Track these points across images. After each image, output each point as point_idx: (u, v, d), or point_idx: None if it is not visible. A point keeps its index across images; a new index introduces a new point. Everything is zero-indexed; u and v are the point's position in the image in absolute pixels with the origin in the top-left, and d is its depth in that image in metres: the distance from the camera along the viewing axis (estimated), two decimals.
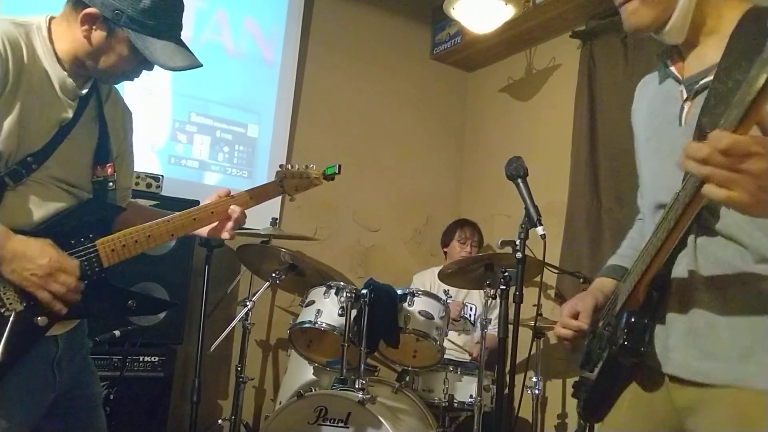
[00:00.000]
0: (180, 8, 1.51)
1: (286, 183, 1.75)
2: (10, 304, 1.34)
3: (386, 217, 4.19)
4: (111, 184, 1.52)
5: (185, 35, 1.53)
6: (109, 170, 1.52)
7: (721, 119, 0.82)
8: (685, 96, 1.13)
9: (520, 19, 3.63)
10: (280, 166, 1.77)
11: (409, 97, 4.35)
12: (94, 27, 1.42)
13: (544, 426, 3.43)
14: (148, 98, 3.30)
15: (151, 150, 3.36)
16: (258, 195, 1.71)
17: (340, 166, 1.77)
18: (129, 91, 1.74)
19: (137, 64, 1.49)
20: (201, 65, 1.49)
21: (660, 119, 1.19)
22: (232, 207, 1.62)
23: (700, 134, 1.01)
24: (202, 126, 3.54)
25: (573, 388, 1.29)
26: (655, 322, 1.09)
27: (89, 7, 1.40)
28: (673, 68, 1.19)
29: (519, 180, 2.00)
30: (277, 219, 3.29)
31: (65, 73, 1.44)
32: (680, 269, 1.08)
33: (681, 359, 1.06)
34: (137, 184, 2.92)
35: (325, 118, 4.00)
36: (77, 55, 1.45)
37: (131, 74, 1.53)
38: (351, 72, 4.13)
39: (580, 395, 1.25)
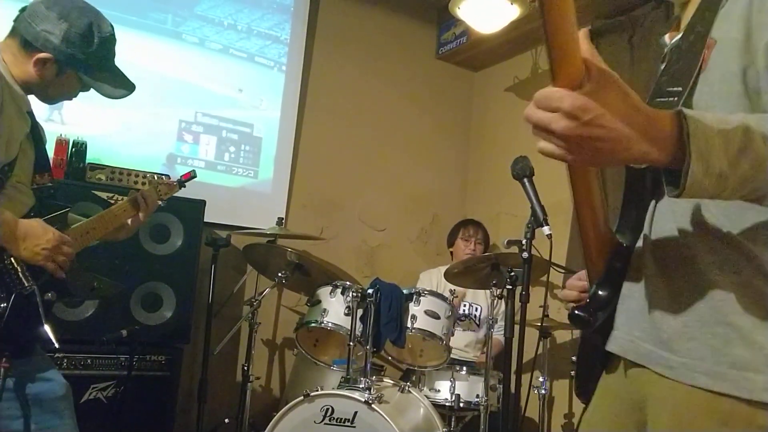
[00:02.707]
0: (115, 41, 1.71)
1: (161, 189, 2.05)
2: (28, 282, 1.53)
3: (392, 217, 4.19)
4: (52, 190, 1.72)
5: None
6: (47, 178, 1.71)
7: (678, 74, 0.78)
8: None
9: (526, 19, 3.62)
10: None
11: (415, 97, 4.35)
12: (45, 66, 1.60)
13: (550, 426, 3.43)
14: (154, 98, 3.32)
15: (157, 150, 3.37)
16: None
17: (194, 170, 2.20)
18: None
19: (79, 90, 1.71)
20: (135, 88, 1.73)
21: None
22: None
23: (660, 93, 0.98)
24: (208, 126, 3.55)
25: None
26: (618, 296, 1.03)
27: (42, 51, 1.58)
28: (666, 37, 1.12)
29: (525, 179, 2.00)
30: (283, 219, 3.29)
31: (22, 92, 1.62)
32: (638, 240, 1.03)
33: (623, 338, 1.00)
34: (143, 184, 2.92)
35: (330, 118, 4.00)
36: (27, 82, 1.61)
37: (71, 98, 1.74)
38: (356, 72, 4.13)
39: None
